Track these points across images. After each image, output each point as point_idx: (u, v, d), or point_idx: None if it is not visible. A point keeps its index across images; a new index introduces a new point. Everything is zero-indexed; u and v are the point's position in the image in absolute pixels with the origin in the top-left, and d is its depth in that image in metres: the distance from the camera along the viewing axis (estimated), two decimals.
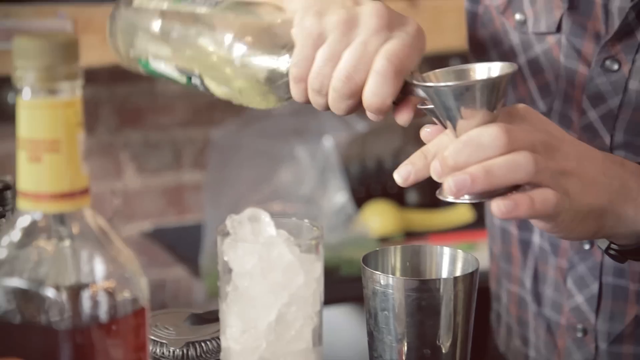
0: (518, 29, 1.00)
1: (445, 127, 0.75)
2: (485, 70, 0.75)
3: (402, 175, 0.76)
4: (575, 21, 0.94)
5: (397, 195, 2.07)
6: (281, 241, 0.67)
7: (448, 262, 0.82)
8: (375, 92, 0.77)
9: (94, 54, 1.59)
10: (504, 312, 1.11)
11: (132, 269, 0.58)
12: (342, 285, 1.68)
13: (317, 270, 0.68)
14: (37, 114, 0.56)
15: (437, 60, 2.13)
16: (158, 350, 0.88)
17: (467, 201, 0.73)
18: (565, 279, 0.99)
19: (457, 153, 0.71)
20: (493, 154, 0.71)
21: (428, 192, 2.05)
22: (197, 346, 0.87)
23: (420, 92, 0.77)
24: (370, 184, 2.11)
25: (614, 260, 0.85)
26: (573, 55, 0.95)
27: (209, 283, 1.81)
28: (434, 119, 0.78)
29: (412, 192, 2.08)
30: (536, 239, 1.04)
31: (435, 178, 0.74)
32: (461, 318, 0.78)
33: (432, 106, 0.75)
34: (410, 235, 1.97)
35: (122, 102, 2.08)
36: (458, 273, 0.80)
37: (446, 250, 0.82)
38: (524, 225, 1.04)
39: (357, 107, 0.80)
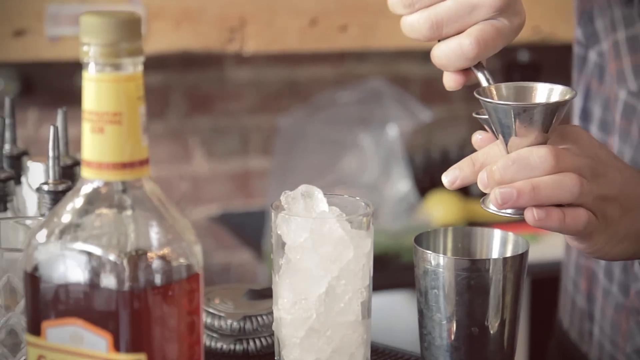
0: (624, 3, 1.00)
1: (497, 138, 0.77)
2: (546, 92, 0.77)
3: (449, 179, 0.79)
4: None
5: None
6: (333, 216, 0.70)
7: (499, 244, 0.83)
8: (448, 58, 0.78)
9: (165, 41, 1.64)
10: (571, 286, 1.12)
11: (188, 236, 0.61)
12: (403, 272, 1.70)
13: (367, 245, 0.70)
14: (100, 88, 0.59)
15: (504, 53, 2.13)
16: (216, 323, 0.91)
17: (509, 215, 0.76)
18: (633, 262, 1.00)
19: (505, 169, 0.74)
20: (539, 174, 0.74)
21: None
22: (254, 320, 0.91)
23: (480, 78, 0.78)
24: (434, 173, 2.12)
25: None
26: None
27: (271, 266, 1.85)
28: (487, 127, 0.79)
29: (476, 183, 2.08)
30: None
31: (481, 188, 0.77)
32: (510, 298, 0.79)
33: (487, 117, 0.77)
34: (473, 225, 1.97)
35: (192, 88, 2.12)
36: (508, 254, 0.82)
37: (497, 233, 0.83)
38: None
39: (428, 40, 0.81)
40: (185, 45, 1.65)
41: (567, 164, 0.74)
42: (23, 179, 1.01)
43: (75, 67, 1.92)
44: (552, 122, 0.74)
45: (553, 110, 0.74)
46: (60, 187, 0.87)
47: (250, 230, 2.05)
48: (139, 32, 0.60)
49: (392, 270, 1.80)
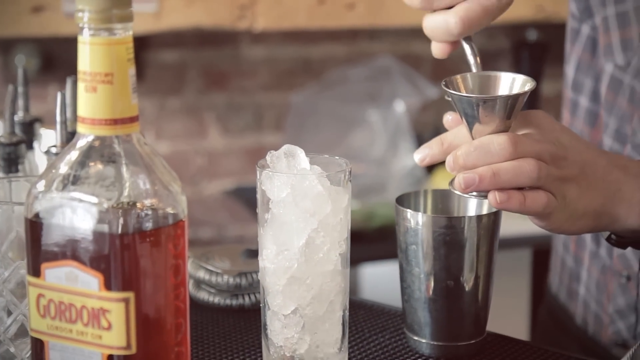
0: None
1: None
2: (509, 82, 0.82)
3: (420, 156, 0.86)
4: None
5: None
6: (312, 173, 0.75)
7: (475, 204, 0.88)
8: (434, 31, 0.84)
9: (178, 17, 1.70)
10: (562, 248, 1.17)
11: (174, 187, 0.67)
12: None
13: (344, 200, 0.75)
14: (93, 50, 0.65)
15: (513, 31, 2.16)
16: (214, 279, 0.97)
17: (473, 197, 0.81)
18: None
19: (468, 155, 0.81)
20: (500, 160, 0.80)
21: None
22: (249, 276, 0.96)
23: (468, 52, 0.84)
24: None
25: (616, 247, 0.91)
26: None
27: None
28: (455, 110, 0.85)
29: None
30: None
31: (448, 170, 0.83)
32: (483, 254, 0.84)
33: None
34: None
35: (207, 65, 2.18)
36: (483, 212, 0.87)
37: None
38: None
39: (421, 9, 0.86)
40: (198, 22, 1.70)
41: (526, 150, 0.80)
42: (35, 145, 1.07)
43: None
44: (512, 111, 0.80)
45: (513, 101, 0.79)
46: None
47: None
48: (129, 1, 0.66)
49: (395, 242, 1.85)
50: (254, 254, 1.00)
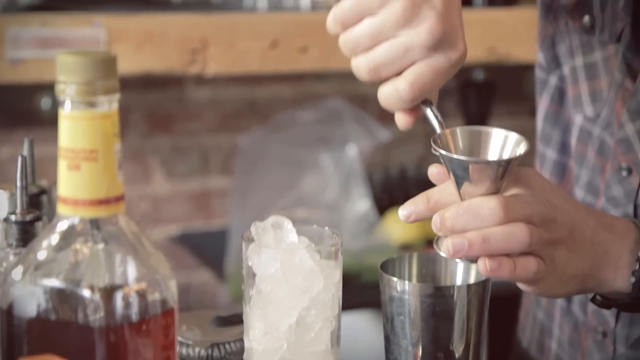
0: (583, 31, 1.03)
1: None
2: (501, 140, 0.79)
3: (405, 213, 0.82)
4: (633, 38, 0.98)
5: None
6: (302, 247, 0.71)
7: (462, 270, 0.85)
8: (388, 100, 0.81)
9: (126, 62, 1.64)
10: (533, 302, 1.15)
11: (163, 271, 0.62)
12: (363, 292, 1.72)
13: (336, 275, 0.72)
14: (76, 125, 0.60)
15: (460, 72, 2.16)
16: (184, 350, 0.92)
17: (459, 261, 0.78)
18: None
19: (457, 217, 0.77)
20: (490, 225, 0.77)
21: None
22: (222, 347, 0.91)
23: (429, 116, 0.81)
24: (393, 191, 2.14)
25: (600, 307, 0.90)
26: (623, 68, 0.98)
27: (233, 287, 1.85)
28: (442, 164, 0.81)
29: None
30: None
31: (434, 230, 0.80)
32: (474, 324, 0.81)
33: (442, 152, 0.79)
34: (432, 242, 2.00)
35: (152, 108, 2.13)
36: (472, 281, 0.84)
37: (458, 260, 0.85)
38: None
39: (371, 83, 0.83)
40: (148, 68, 1.65)
41: (518, 213, 0.77)
42: None
43: (33, 89, 1.92)
44: (505, 173, 0.77)
45: (506, 165, 0.77)
46: (28, 217, 0.87)
47: (210, 250, 2.05)
48: (114, 71, 0.61)
49: (352, 289, 1.82)
50: (224, 321, 0.95)
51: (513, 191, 0.80)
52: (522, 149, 0.78)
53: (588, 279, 0.83)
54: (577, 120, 1.05)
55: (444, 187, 0.81)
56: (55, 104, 1.94)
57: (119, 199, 0.61)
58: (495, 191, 0.78)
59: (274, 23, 1.76)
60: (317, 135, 1.95)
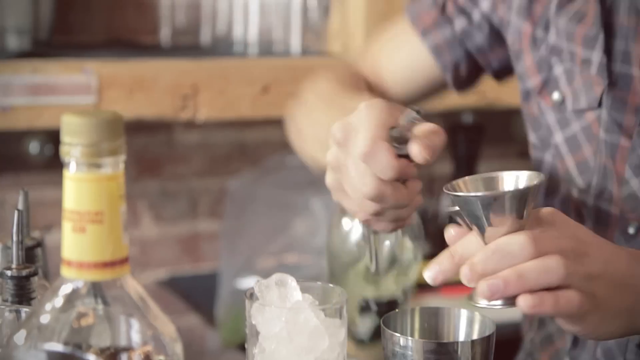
0: (555, 107, 1.04)
1: (471, 229, 0.78)
2: (513, 180, 0.79)
3: (431, 276, 0.81)
4: (616, 96, 0.98)
5: None
6: (307, 306, 0.70)
7: (465, 324, 0.84)
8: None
9: (117, 109, 1.63)
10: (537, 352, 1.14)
11: (169, 334, 0.61)
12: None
13: (342, 334, 0.71)
14: (82, 187, 0.59)
15: (449, 116, 2.17)
16: None
17: (499, 306, 0.76)
18: (596, 349, 1.02)
19: (486, 260, 0.75)
20: (522, 261, 0.74)
21: (439, 245, 2.07)
22: None
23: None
24: None
25: None
26: (614, 129, 0.98)
27: (223, 332, 1.83)
28: (460, 221, 0.80)
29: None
30: None
31: (465, 283, 0.77)
32: None
33: (457, 208, 0.78)
34: (423, 287, 1.99)
35: (140, 151, 2.12)
36: (475, 336, 0.83)
37: (463, 313, 0.84)
38: None
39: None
40: (139, 114, 1.65)
41: (548, 246, 0.75)
42: None
43: (22, 134, 1.90)
44: (524, 207, 0.76)
45: (523, 197, 0.75)
46: (24, 272, 0.86)
47: (199, 294, 2.03)
48: (120, 131, 0.61)
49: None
50: None
51: (537, 230, 0.78)
52: (537, 179, 0.77)
53: (633, 315, 0.80)
54: (574, 193, 1.04)
55: (465, 241, 0.79)
56: (44, 148, 1.92)
57: (124, 261, 0.61)
58: (520, 229, 0.77)
59: (265, 68, 1.76)
60: (307, 179, 1.94)
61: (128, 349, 0.59)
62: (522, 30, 1.08)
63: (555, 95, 1.04)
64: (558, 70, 1.04)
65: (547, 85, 1.05)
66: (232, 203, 2.01)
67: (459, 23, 1.16)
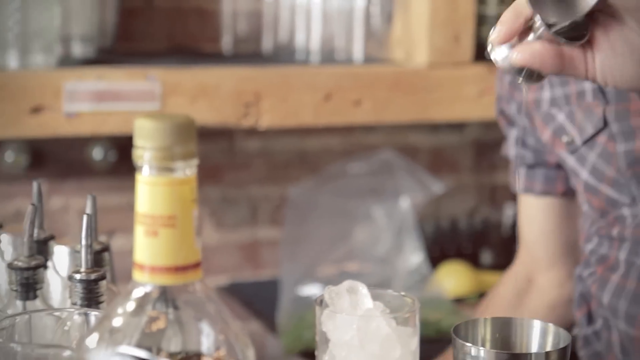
0: (569, 149, 1.09)
1: None
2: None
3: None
4: (618, 109, 1.02)
5: (471, 256, 2.07)
6: (378, 313, 0.69)
7: (539, 335, 0.82)
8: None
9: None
10: None
11: (240, 339, 0.60)
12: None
13: (414, 343, 0.70)
14: (155, 191, 0.59)
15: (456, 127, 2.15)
16: None
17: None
18: None
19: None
20: None
21: (502, 254, 2.04)
22: None
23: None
24: (444, 243, 2.11)
25: None
26: (629, 136, 1.02)
27: (285, 339, 1.83)
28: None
29: (486, 253, 2.08)
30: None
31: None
32: None
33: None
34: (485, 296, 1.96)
35: (201, 159, 2.12)
36: (549, 347, 0.81)
37: (537, 324, 0.82)
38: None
39: None
40: (201, 120, 1.65)
41: None
42: (49, 264, 1.00)
43: (85, 140, 1.92)
44: None
45: None
46: (93, 276, 0.87)
47: (259, 300, 2.03)
48: (192, 135, 0.60)
49: None
50: None
51: None
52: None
53: None
54: (624, 212, 1.06)
55: None
56: (107, 154, 1.94)
57: (196, 265, 0.60)
58: None
59: (327, 76, 1.76)
60: (368, 186, 1.93)
61: (200, 354, 0.59)
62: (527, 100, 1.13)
63: (565, 138, 1.09)
64: (560, 118, 1.09)
65: (557, 134, 1.10)
66: (292, 210, 2.00)
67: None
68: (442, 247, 2.10)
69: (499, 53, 0.78)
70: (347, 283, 0.71)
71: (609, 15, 0.75)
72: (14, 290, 0.89)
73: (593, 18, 0.75)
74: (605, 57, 0.75)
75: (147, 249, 0.59)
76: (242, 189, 2.17)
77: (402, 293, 0.74)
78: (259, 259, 2.19)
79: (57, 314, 0.84)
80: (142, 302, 0.59)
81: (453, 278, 1.95)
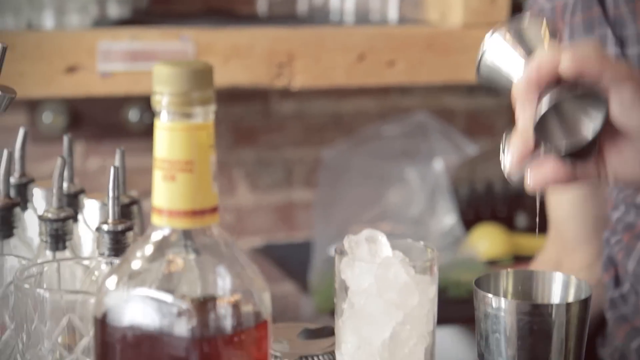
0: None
1: None
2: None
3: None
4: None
5: (506, 219, 2.06)
6: (397, 262, 0.70)
7: (560, 287, 0.83)
8: None
9: (215, 75, 1.65)
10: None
11: (257, 283, 0.61)
12: (450, 307, 1.68)
13: (432, 291, 0.70)
14: (173, 136, 0.59)
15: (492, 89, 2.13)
16: None
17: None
18: None
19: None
20: None
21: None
22: None
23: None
24: (479, 206, 2.10)
25: None
26: None
27: (318, 299, 1.84)
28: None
29: (521, 216, 2.07)
30: None
31: None
32: (573, 344, 0.78)
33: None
34: (519, 259, 1.96)
35: (237, 121, 2.14)
36: (571, 299, 0.81)
37: (559, 276, 0.83)
38: None
39: None
40: (234, 81, 1.66)
41: None
42: (80, 217, 1.02)
43: (122, 101, 1.94)
44: None
45: None
46: (120, 227, 0.88)
47: (293, 262, 2.05)
48: (210, 82, 0.61)
49: (438, 304, 1.79)
50: (313, 334, 0.94)
51: None
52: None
53: None
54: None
55: None
56: (143, 116, 1.96)
57: (213, 210, 0.61)
58: None
59: (361, 36, 1.75)
60: (402, 149, 1.93)
61: (216, 297, 0.60)
62: None
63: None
64: None
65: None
66: (326, 172, 2.01)
67: None
68: (477, 209, 2.09)
69: (515, 175, 0.80)
70: (366, 232, 0.72)
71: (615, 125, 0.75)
72: (43, 242, 0.90)
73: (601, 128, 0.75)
74: (617, 165, 0.78)
75: (165, 193, 0.60)
76: (277, 151, 2.18)
77: (422, 242, 0.74)
78: (293, 220, 2.20)
79: (86, 262, 0.86)
80: (160, 246, 0.60)
81: (487, 240, 1.95)
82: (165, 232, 0.60)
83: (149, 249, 0.60)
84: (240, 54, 1.67)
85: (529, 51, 0.78)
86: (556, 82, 0.74)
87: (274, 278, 2.16)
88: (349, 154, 1.99)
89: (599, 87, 0.73)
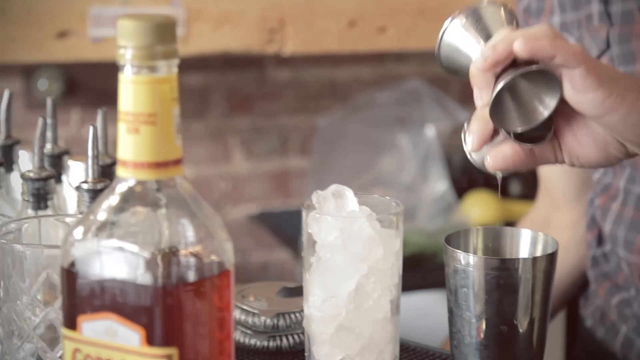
0: None
1: None
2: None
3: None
4: (622, 32, 1.02)
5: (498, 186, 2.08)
6: (363, 215, 0.71)
7: (528, 243, 0.84)
8: None
9: (205, 42, 1.66)
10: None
11: (220, 234, 0.63)
12: (440, 272, 1.70)
13: (397, 244, 0.71)
14: (136, 89, 0.61)
15: None
16: (250, 319, 0.93)
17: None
18: None
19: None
20: None
21: (530, 183, 2.04)
22: (287, 317, 0.92)
23: None
24: (472, 174, 2.12)
25: None
26: (628, 59, 1.01)
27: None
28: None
29: (514, 183, 2.08)
30: None
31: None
32: (539, 297, 0.80)
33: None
34: (511, 226, 1.97)
35: (232, 88, 2.15)
36: (538, 254, 0.82)
37: (526, 232, 0.84)
38: None
39: None
40: (226, 46, 1.67)
41: None
42: (64, 178, 1.04)
43: (117, 68, 1.95)
44: None
45: None
46: (99, 186, 0.89)
47: (288, 229, 2.07)
48: (173, 35, 0.62)
49: (429, 269, 1.81)
50: (291, 292, 0.96)
51: None
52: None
53: None
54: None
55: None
56: None
57: (177, 162, 0.62)
58: None
59: (352, 2, 1.76)
60: (395, 116, 1.94)
61: (180, 247, 0.61)
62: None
63: None
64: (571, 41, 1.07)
65: None
66: (320, 140, 2.02)
67: None
68: (470, 177, 2.10)
69: (477, 156, 0.81)
70: (333, 187, 0.73)
71: (571, 107, 0.76)
72: (25, 201, 0.92)
73: (556, 111, 0.76)
74: (571, 147, 0.79)
75: (129, 145, 0.61)
76: (272, 118, 2.19)
77: (388, 197, 0.75)
78: (289, 188, 2.22)
79: (67, 219, 0.87)
80: (125, 197, 0.62)
81: (479, 207, 1.96)
82: (130, 183, 0.62)
83: (114, 200, 0.62)
84: (231, 20, 1.68)
85: (486, 35, 0.79)
86: (512, 65, 0.76)
87: (269, 245, 2.17)
88: (343, 121, 2.00)
89: (553, 68, 0.74)
